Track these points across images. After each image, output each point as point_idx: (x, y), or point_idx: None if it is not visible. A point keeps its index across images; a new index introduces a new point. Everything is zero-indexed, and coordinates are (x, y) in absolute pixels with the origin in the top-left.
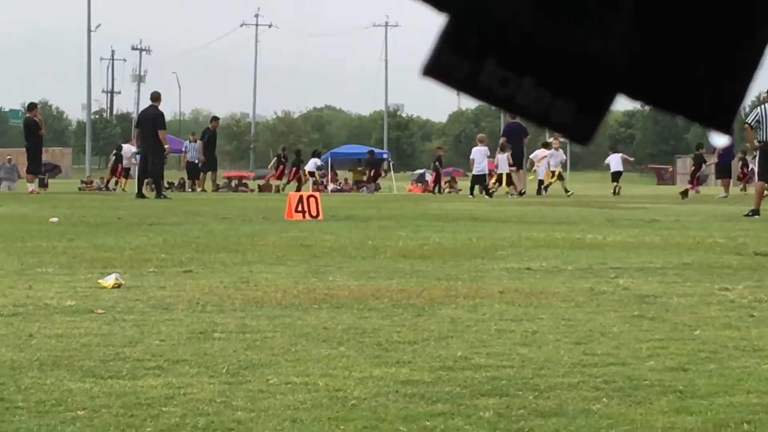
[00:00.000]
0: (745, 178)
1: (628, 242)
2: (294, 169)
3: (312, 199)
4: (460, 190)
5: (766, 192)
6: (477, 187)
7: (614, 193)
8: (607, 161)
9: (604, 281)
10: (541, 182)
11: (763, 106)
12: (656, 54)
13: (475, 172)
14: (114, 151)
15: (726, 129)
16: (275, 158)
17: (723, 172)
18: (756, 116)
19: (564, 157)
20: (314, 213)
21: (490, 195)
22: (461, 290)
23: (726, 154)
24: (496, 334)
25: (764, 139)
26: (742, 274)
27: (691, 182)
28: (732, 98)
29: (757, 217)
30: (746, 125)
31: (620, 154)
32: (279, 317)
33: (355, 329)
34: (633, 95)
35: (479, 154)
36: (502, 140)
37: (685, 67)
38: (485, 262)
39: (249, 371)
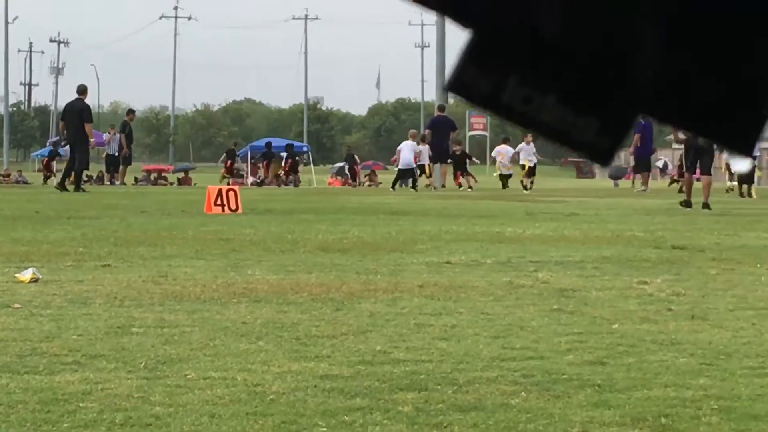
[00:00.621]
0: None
1: (547, 236)
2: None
3: (231, 193)
4: (380, 183)
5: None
6: (404, 181)
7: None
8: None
9: (523, 275)
10: (503, 177)
11: None
12: (684, 76)
13: (401, 166)
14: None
15: (747, 153)
16: (225, 153)
17: (642, 165)
18: None
19: (534, 150)
20: (233, 206)
21: (415, 188)
22: (380, 284)
23: (644, 148)
24: (415, 329)
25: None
26: (660, 268)
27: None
28: (754, 125)
29: (689, 208)
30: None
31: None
32: (197, 311)
33: (274, 323)
34: (659, 116)
35: (407, 149)
36: (425, 132)
37: (711, 91)
38: (405, 256)
39: (167, 366)
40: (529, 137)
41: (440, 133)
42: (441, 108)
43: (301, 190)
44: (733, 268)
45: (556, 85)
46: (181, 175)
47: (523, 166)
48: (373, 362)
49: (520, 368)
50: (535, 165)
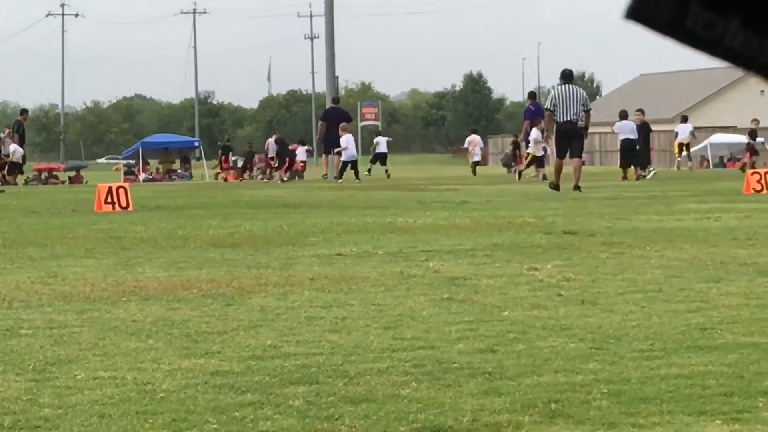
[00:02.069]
0: (518, 160)
1: (438, 225)
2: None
3: (122, 190)
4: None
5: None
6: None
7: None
8: (376, 141)
9: (414, 265)
10: (475, 164)
11: (555, 88)
12: None
13: (346, 158)
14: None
15: None
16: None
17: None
18: (552, 100)
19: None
20: (124, 204)
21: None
22: (271, 278)
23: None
24: (306, 322)
25: (560, 119)
26: (551, 254)
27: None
28: None
29: (557, 191)
30: (547, 110)
31: (387, 138)
32: (87, 311)
33: (164, 321)
34: None
35: (348, 141)
36: (320, 124)
37: None
38: (296, 249)
39: (56, 367)
40: (542, 125)
41: (334, 124)
42: (335, 100)
43: (193, 185)
44: (623, 252)
45: (740, 9)
46: (73, 173)
47: (529, 156)
48: (264, 357)
49: (411, 358)
50: (542, 156)
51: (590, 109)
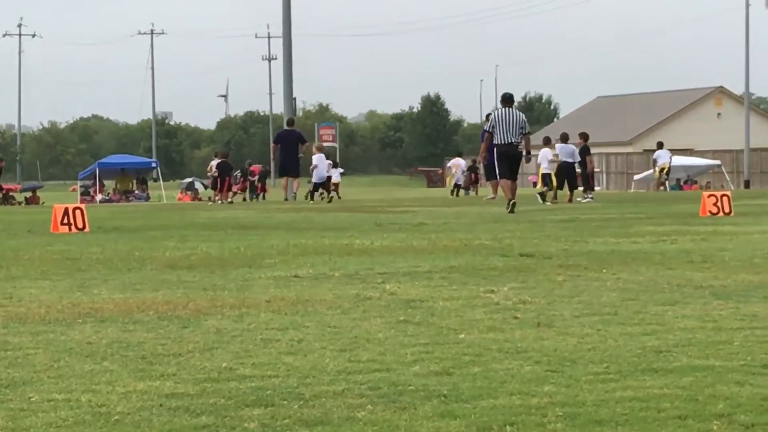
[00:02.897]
0: (473, 182)
1: (395, 247)
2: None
3: (78, 212)
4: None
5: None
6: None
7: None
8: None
9: (371, 287)
10: (456, 187)
11: (495, 111)
12: None
13: (316, 180)
14: None
15: None
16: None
17: (491, 173)
18: (492, 122)
19: (551, 156)
20: (80, 225)
21: (330, 199)
22: (228, 300)
23: (489, 157)
24: (262, 344)
25: (500, 141)
26: (507, 276)
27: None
28: None
29: (512, 214)
30: (487, 132)
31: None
32: (42, 333)
33: (120, 343)
34: None
35: (321, 162)
36: (273, 147)
37: None
38: (252, 271)
39: (10, 389)
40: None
41: (288, 147)
42: (290, 122)
43: (150, 206)
44: (579, 275)
45: None
46: (29, 194)
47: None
48: (219, 379)
49: (367, 381)
50: (549, 173)
51: (529, 132)
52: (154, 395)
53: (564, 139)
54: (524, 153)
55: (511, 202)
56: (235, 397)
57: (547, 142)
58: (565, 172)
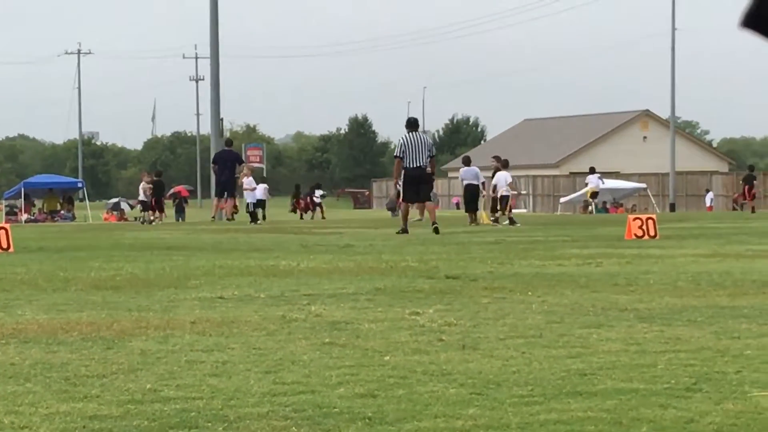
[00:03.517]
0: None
1: (321, 268)
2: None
3: (2, 231)
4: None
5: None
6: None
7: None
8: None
9: (296, 308)
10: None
11: (404, 136)
12: None
13: (250, 200)
14: None
15: None
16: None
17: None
18: (401, 147)
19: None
20: (5, 245)
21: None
22: (152, 321)
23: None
24: (187, 366)
25: (409, 165)
26: (433, 298)
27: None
28: None
29: (405, 234)
30: (396, 157)
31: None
32: None
33: (43, 364)
34: None
35: (252, 184)
36: (213, 167)
37: None
38: (178, 292)
39: None
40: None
41: (223, 168)
42: (228, 142)
43: (76, 227)
44: (504, 297)
45: None
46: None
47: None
48: (143, 401)
49: (291, 403)
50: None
51: (435, 155)
52: (77, 417)
53: (466, 162)
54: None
55: (433, 224)
56: (158, 419)
57: (505, 165)
58: (469, 195)
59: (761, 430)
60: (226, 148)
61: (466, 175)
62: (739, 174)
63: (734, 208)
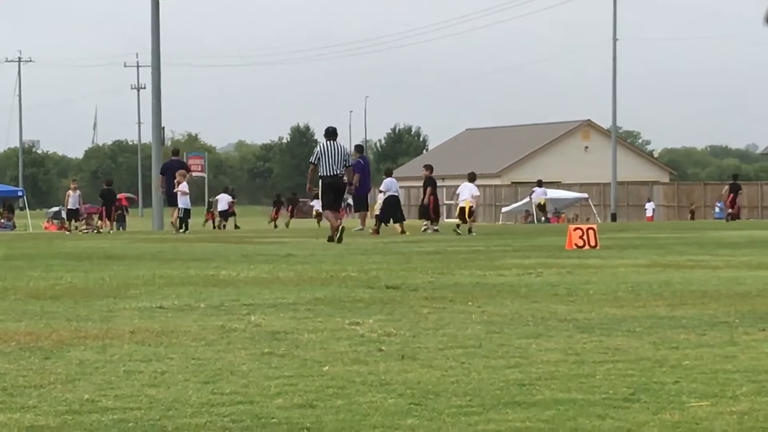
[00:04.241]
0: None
1: (262, 278)
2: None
3: None
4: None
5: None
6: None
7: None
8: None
9: (236, 318)
10: (377, 217)
11: (321, 144)
12: None
13: (182, 205)
14: None
15: None
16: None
17: (360, 204)
18: (317, 155)
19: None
20: None
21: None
22: (91, 331)
23: (362, 187)
24: (125, 376)
25: (325, 173)
26: (373, 308)
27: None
28: None
29: (332, 243)
30: (311, 165)
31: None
32: None
33: None
34: None
35: (185, 188)
36: (160, 178)
37: None
38: (117, 302)
39: None
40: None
41: (173, 177)
42: (175, 152)
43: (15, 235)
44: (444, 307)
45: None
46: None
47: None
48: (81, 411)
49: (230, 413)
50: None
51: (351, 165)
52: (14, 428)
53: (388, 173)
54: (349, 184)
55: (339, 231)
56: (96, 429)
57: (472, 178)
58: (392, 206)
59: None
60: (173, 158)
61: (389, 186)
62: (680, 184)
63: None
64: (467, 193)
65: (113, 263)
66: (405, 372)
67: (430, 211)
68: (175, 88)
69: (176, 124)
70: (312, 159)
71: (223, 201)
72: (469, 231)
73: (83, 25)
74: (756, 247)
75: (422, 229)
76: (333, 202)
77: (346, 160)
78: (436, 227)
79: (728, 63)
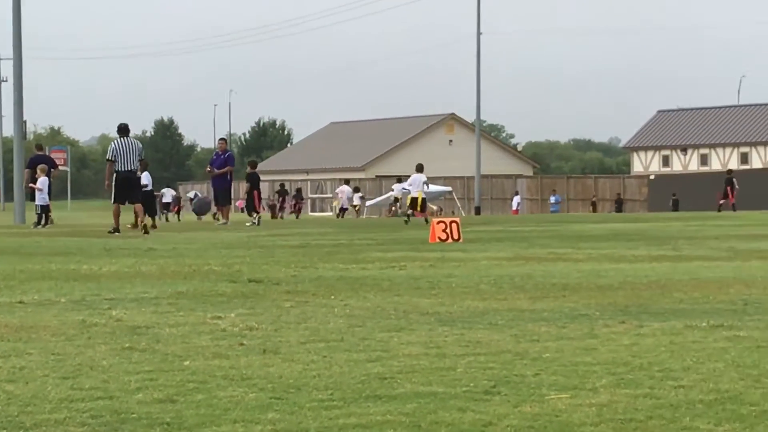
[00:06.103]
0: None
1: (124, 272)
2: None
3: None
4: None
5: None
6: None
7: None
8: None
9: (97, 313)
10: (342, 211)
11: (116, 141)
12: None
13: (39, 202)
14: None
15: None
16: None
17: (223, 199)
18: (113, 151)
19: (425, 180)
20: None
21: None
22: None
23: (222, 181)
24: None
25: (121, 168)
26: (235, 302)
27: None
28: None
29: (117, 233)
30: (108, 161)
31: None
32: None
33: None
34: None
35: (44, 184)
36: (26, 172)
37: None
38: None
39: None
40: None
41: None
42: (38, 147)
43: None
44: (307, 301)
45: None
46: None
47: (414, 199)
48: None
49: (89, 409)
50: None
51: (144, 159)
52: None
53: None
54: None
55: (143, 226)
56: None
57: (420, 169)
58: (148, 201)
59: None
60: (38, 153)
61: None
62: (544, 177)
63: (719, 209)
64: (419, 183)
65: None
66: (266, 366)
67: (256, 205)
68: (37, 81)
69: (39, 118)
70: (108, 156)
71: (168, 195)
72: (426, 221)
73: None
74: (618, 240)
75: (248, 223)
76: (127, 196)
77: (140, 155)
78: (255, 220)
79: (592, 57)
